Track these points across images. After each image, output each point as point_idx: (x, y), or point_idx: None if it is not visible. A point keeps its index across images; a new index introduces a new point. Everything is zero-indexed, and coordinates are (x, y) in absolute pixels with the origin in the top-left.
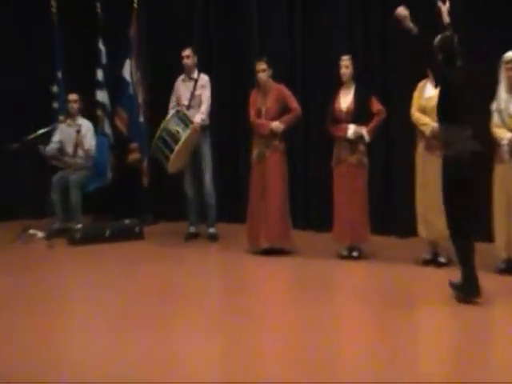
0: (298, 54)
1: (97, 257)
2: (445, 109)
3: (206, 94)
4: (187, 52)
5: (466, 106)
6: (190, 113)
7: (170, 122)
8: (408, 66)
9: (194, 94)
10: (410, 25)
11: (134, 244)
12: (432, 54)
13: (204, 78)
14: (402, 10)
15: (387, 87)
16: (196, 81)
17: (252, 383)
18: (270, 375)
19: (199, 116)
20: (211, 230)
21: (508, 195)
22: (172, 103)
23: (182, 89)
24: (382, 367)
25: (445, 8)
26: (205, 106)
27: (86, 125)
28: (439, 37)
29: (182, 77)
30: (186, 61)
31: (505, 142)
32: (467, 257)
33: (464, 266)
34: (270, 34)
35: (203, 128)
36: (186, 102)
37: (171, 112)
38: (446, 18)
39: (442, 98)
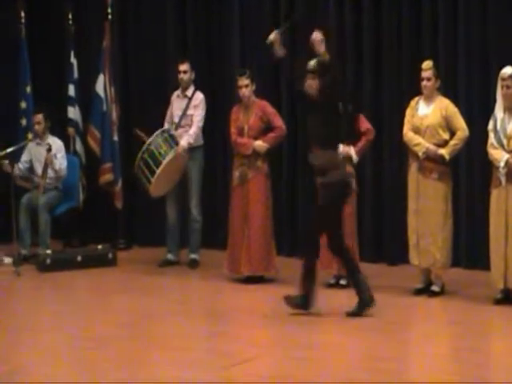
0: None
1: (68, 284)
2: (327, 133)
3: (197, 115)
4: (184, 66)
5: (344, 131)
6: (178, 132)
7: (153, 143)
8: (401, 80)
9: (186, 114)
10: (321, 49)
11: (106, 271)
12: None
13: (198, 97)
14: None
15: (378, 103)
16: (190, 99)
17: None
18: None
19: (186, 139)
20: (193, 256)
21: (506, 221)
22: (167, 119)
23: (176, 105)
24: None
25: (318, 38)
26: (194, 129)
27: (56, 144)
28: (315, 61)
29: (177, 92)
30: (182, 76)
31: (501, 164)
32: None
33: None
34: (254, 46)
35: (191, 149)
36: (176, 120)
37: (157, 131)
38: (321, 48)
39: (324, 122)
